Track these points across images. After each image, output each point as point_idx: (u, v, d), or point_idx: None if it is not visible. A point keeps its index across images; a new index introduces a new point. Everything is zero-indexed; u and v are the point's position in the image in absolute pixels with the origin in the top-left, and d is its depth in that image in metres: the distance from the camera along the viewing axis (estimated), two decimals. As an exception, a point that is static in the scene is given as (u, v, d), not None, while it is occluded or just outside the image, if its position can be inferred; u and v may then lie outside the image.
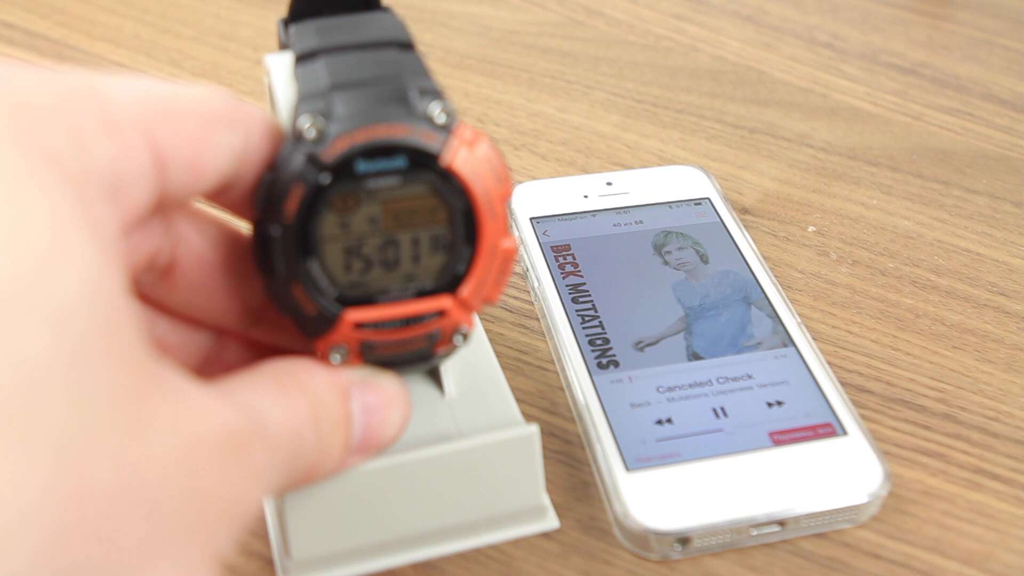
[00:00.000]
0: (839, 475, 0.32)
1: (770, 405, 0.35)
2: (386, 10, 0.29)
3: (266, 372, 0.25)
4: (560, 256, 0.41)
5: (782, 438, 0.34)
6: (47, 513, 0.17)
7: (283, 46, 0.29)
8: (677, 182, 0.45)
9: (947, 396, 0.37)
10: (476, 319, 0.31)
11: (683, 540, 0.31)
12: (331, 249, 0.26)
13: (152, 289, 0.27)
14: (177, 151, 0.22)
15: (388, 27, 0.27)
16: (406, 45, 0.27)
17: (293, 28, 0.27)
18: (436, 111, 0.25)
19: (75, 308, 0.18)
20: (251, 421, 0.22)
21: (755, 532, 0.32)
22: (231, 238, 0.28)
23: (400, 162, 0.25)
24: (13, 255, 0.17)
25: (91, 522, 0.17)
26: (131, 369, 0.19)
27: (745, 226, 0.43)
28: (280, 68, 0.29)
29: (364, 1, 0.28)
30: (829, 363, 0.37)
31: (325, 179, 0.25)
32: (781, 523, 0.32)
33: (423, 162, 0.25)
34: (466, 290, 0.27)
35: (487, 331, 0.36)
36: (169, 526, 0.19)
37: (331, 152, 0.25)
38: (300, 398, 0.25)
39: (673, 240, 0.42)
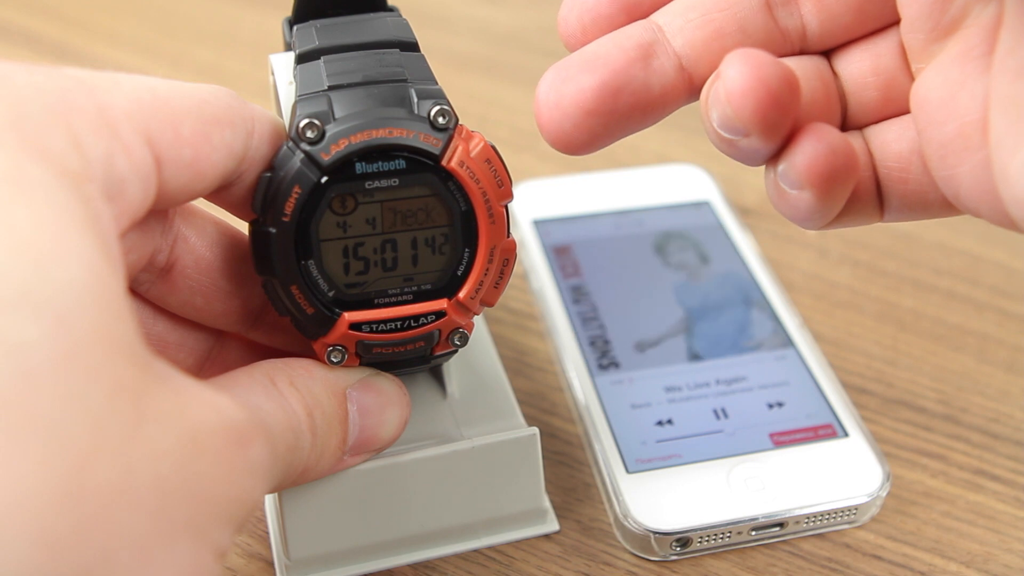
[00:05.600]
0: (839, 476, 0.32)
1: (770, 406, 0.35)
2: (392, 10, 0.28)
3: (259, 370, 0.25)
4: (561, 257, 0.41)
5: (782, 439, 0.34)
6: (46, 508, 0.17)
7: (288, 46, 0.29)
8: (678, 182, 0.45)
9: (947, 397, 0.37)
10: (480, 320, 0.31)
11: (683, 541, 0.31)
12: (329, 250, 0.26)
13: (151, 289, 0.27)
14: (176, 151, 0.22)
15: (391, 28, 0.27)
16: (409, 46, 0.27)
17: (296, 28, 0.27)
18: (436, 112, 0.25)
19: (74, 303, 0.18)
20: (250, 415, 0.22)
21: (755, 533, 0.32)
22: (231, 239, 0.27)
23: (399, 163, 0.25)
24: (11, 250, 0.18)
25: (91, 516, 0.17)
26: (131, 363, 0.19)
27: (746, 227, 0.43)
28: (283, 68, 0.29)
29: (369, 1, 0.28)
30: (830, 364, 0.37)
31: (323, 180, 0.25)
32: (781, 524, 0.32)
33: (422, 163, 0.25)
34: (464, 292, 0.27)
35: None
36: (170, 520, 0.19)
37: (330, 153, 0.25)
38: (295, 396, 0.25)
39: (674, 241, 0.42)
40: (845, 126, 0.27)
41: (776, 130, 0.23)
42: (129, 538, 0.18)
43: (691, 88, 0.26)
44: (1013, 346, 0.39)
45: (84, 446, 0.17)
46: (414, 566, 0.31)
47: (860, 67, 0.26)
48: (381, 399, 0.27)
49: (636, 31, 0.26)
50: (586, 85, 0.25)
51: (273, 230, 0.25)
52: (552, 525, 0.32)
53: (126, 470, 0.18)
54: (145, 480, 0.18)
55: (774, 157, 0.24)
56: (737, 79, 0.22)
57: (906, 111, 0.26)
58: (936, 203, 0.26)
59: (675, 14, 0.26)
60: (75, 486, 0.17)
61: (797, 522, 0.32)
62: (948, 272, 0.43)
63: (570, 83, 0.25)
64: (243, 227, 0.27)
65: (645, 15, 0.26)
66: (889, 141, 0.26)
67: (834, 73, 0.27)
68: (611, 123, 0.25)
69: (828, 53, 0.27)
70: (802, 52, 0.27)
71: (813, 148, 0.23)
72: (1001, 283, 0.42)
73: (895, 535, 0.32)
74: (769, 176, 0.25)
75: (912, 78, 0.26)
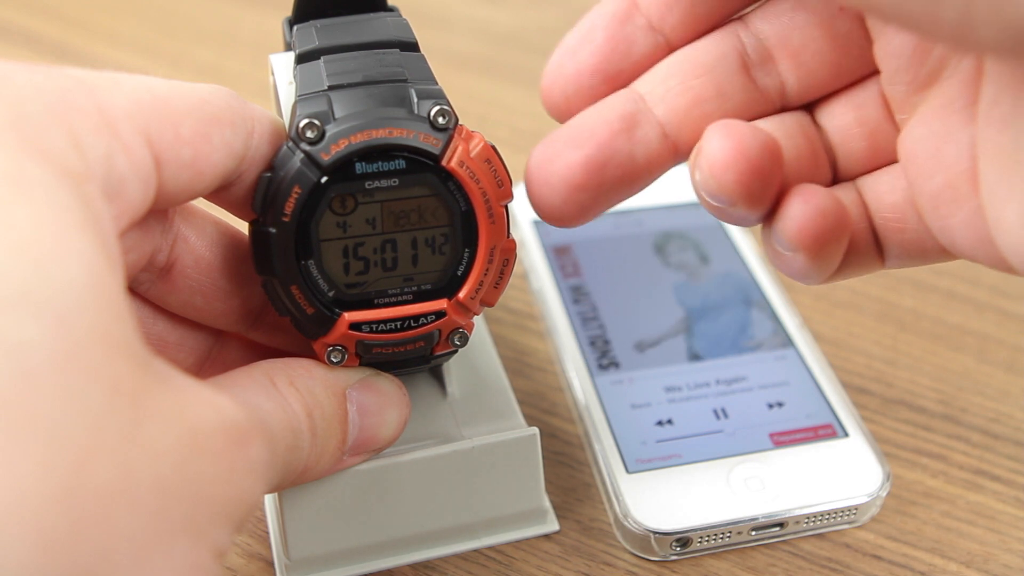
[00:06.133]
0: (839, 476, 0.32)
1: (770, 406, 0.35)
2: (392, 10, 0.28)
3: (259, 369, 0.25)
4: (561, 257, 0.41)
5: (782, 439, 0.34)
6: (44, 507, 0.17)
7: (288, 46, 0.29)
8: (678, 182, 0.45)
9: (947, 397, 0.37)
10: (480, 320, 0.31)
11: (683, 541, 0.31)
12: (329, 250, 0.26)
13: (151, 289, 0.27)
14: (176, 151, 0.22)
15: (391, 28, 0.27)
16: (409, 46, 0.27)
17: (296, 28, 0.27)
18: (436, 113, 0.25)
19: (74, 303, 0.18)
20: (250, 415, 0.22)
21: (755, 533, 0.32)
22: (231, 239, 0.28)
23: (399, 163, 0.25)
24: (11, 250, 0.18)
25: (90, 516, 0.17)
26: (130, 363, 0.19)
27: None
28: (283, 68, 0.29)
29: (369, 1, 0.28)
30: (830, 364, 0.37)
31: (323, 180, 0.25)
32: (781, 524, 0.32)
33: (422, 164, 0.25)
34: (464, 292, 0.27)
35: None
36: (169, 519, 0.19)
37: (330, 153, 0.25)
38: (294, 396, 0.25)
39: (674, 241, 0.42)
40: (837, 178, 0.27)
41: (761, 199, 0.24)
42: (128, 538, 0.18)
43: (676, 154, 0.26)
44: (1013, 346, 0.39)
45: (83, 446, 0.17)
46: (414, 566, 0.31)
47: (844, 119, 0.26)
48: (381, 399, 0.27)
49: (619, 102, 0.26)
50: (573, 160, 0.25)
51: (273, 230, 0.25)
52: (552, 525, 0.32)
53: (125, 470, 0.18)
54: (144, 480, 0.18)
55: (767, 219, 0.25)
56: (718, 153, 0.23)
57: (896, 159, 0.26)
58: (935, 250, 0.26)
59: (655, 82, 0.26)
60: (74, 486, 0.17)
61: (797, 522, 0.32)
62: (948, 272, 0.43)
63: (558, 160, 0.25)
64: (243, 227, 0.27)
65: (626, 84, 0.26)
66: (882, 193, 0.26)
67: (818, 126, 0.27)
68: (599, 196, 0.26)
69: (811, 107, 0.27)
70: (784, 109, 0.27)
71: (801, 212, 0.24)
72: (1001, 283, 0.42)
73: (895, 535, 0.32)
74: (765, 236, 0.25)
75: (897, 127, 0.26)
